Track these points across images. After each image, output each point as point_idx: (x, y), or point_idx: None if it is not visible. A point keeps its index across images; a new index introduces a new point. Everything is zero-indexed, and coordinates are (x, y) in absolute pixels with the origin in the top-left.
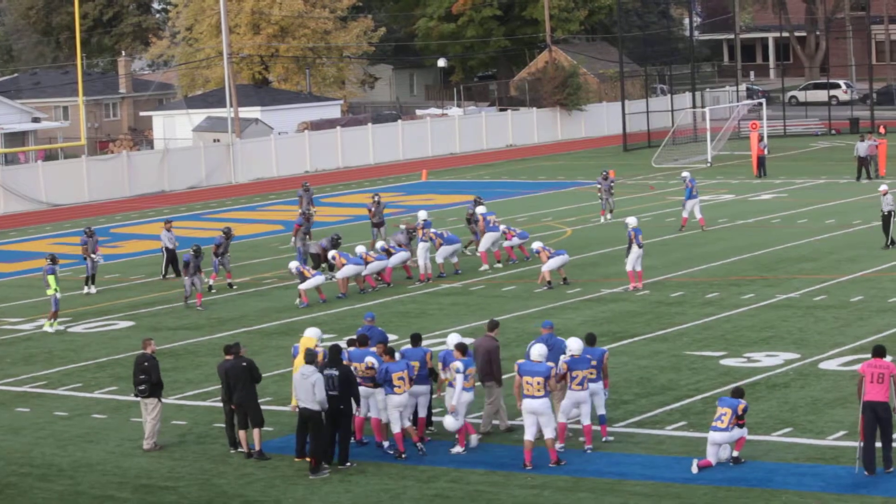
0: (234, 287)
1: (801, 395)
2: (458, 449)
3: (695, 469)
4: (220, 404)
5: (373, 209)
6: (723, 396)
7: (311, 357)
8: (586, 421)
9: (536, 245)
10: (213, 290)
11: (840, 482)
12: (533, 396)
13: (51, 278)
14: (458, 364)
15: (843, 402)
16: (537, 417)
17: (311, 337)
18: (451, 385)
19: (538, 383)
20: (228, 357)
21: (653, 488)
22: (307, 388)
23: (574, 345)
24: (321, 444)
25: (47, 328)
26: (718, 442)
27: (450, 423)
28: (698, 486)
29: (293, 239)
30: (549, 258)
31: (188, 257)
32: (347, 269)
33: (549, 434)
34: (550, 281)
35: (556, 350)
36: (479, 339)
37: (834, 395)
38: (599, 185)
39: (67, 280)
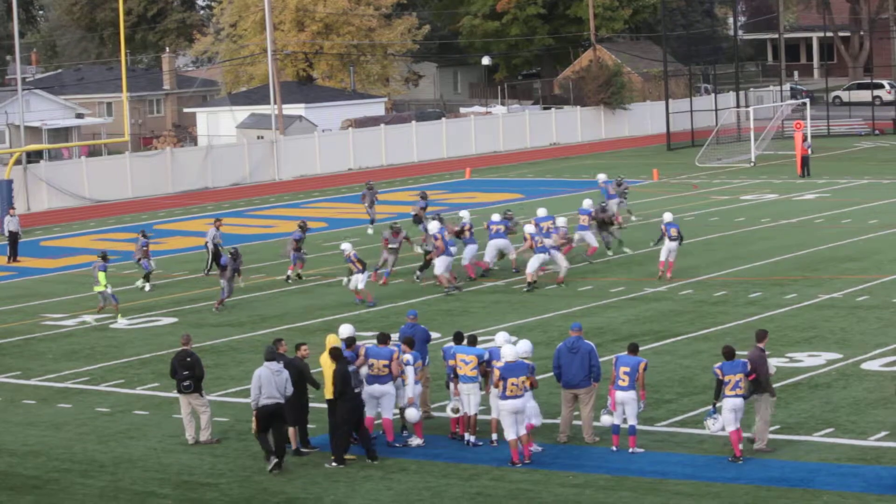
0: (303, 279)
1: (844, 395)
2: (416, 441)
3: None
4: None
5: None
6: (721, 364)
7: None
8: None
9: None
10: (290, 281)
11: (882, 483)
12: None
13: (101, 275)
14: (408, 356)
15: (886, 402)
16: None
17: (334, 336)
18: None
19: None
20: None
21: (694, 487)
22: (280, 383)
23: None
24: (285, 438)
25: (122, 322)
26: (739, 408)
27: (412, 414)
28: (739, 485)
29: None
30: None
31: (226, 260)
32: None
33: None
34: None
35: (581, 353)
36: (751, 352)
37: (876, 395)
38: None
39: (112, 277)
